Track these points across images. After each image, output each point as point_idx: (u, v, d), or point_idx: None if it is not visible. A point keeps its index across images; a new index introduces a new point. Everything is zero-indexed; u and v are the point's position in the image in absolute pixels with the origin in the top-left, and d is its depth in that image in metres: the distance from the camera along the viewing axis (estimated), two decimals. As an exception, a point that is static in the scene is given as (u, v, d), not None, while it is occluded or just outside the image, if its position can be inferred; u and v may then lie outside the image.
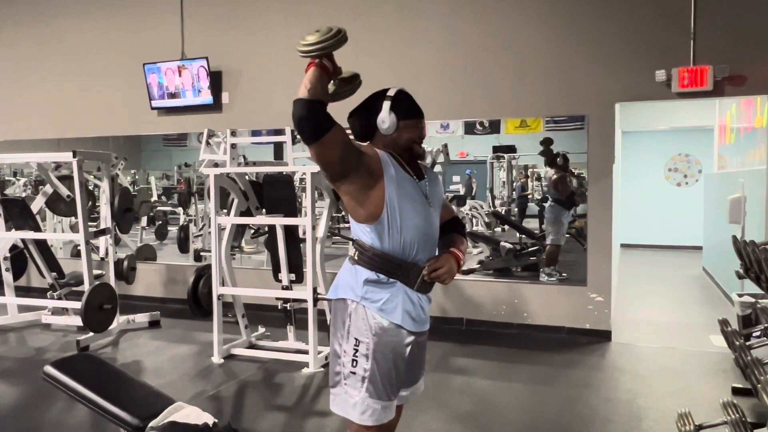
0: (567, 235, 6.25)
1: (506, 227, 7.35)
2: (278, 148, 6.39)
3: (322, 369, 4.24)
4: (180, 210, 7.94)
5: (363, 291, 2.00)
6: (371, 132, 2.09)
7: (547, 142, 6.03)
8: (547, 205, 6.31)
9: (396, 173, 2.01)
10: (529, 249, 6.32)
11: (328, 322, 4.37)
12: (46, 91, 6.82)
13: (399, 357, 2.04)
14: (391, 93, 2.06)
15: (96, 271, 5.12)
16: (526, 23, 5.10)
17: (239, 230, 6.73)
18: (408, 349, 2.05)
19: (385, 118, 2.03)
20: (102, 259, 5.48)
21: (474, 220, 7.43)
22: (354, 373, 2.00)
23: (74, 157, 4.72)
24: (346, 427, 2.13)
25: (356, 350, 2.00)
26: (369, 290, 2.00)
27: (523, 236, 6.74)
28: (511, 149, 7.19)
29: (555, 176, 6.13)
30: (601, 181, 4.97)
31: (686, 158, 10.59)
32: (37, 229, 5.53)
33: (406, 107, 2.08)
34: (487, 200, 7.49)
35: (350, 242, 2.13)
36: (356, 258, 2.04)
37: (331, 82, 2.07)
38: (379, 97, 2.08)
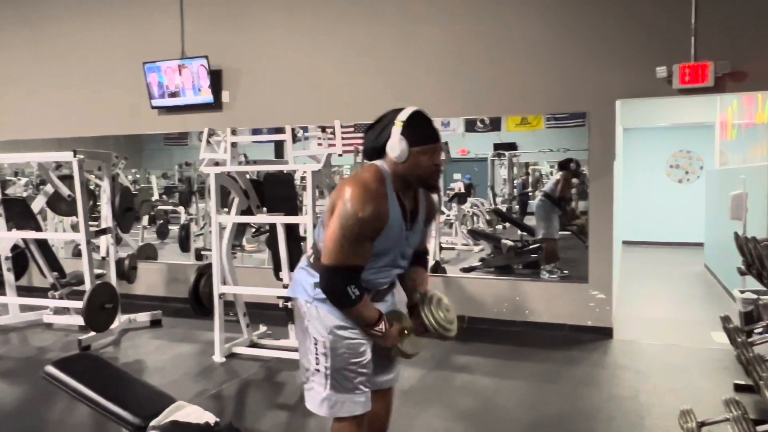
0: (565, 231, 6.26)
1: (507, 225, 7.34)
2: (279, 147, 6.38)
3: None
4: (181, 209, 7.94)
5: (314, 292, 2.02)
6: (379, 153, 2.00)
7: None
8: (536, 200, 6.35)
9: (396, 223, 1.98)
10: (531, 246, 6.32)
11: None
12: (47, 91, 6.81)
13: (358, 352, 2.04)
14: (402, 117, 1.93)
15: (97, 271, 5.12)
16: (526, 20, 5.08)
17: (240, 229, 6.73)
18: (370, 343, 2.07)
19: (395, 146, 1.91)
20: (103, 258, 5.48)
21: (475, 218, 7.42)
22: (318, 370, 2.04)
23: (74, 156, 4.71)
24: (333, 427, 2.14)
25: (316, 348, 2.03)
26: (319, 291, 2.01)
27: (525, 233, 6.74)
28: (512, 147, 7.18)
29: (559, 175, 6.22)
30: (602, 178, 4.96)
31: (687, 155, 10.57)
32: (38, 228, 5.53)
33: (419, 132, 1.94)
34: (488, 198, 7.49)
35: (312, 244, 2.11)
36: (311, 262, 2.06)
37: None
38: (392, 116, 1.96)
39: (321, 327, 2.01)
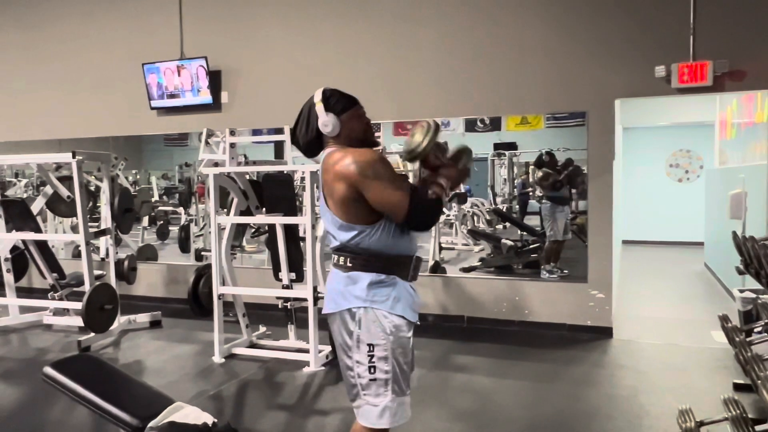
0: (570, 232, 6.25)
1: (507, 224, 7.34)
2: (278, 147, 6.38)
3: (323, 368, 4.24)
4: (181, 210, 7.94)
5: (369, 295, 1.99)
6: (318, 143, 2.09)
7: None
8: (542, 203, 6.37)
9: None
10: (530, 246, 6.32)
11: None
12: (46, 93, 6.82)
13: (408, 350, 2.07)
14: (317, 96, 2.06)
15: (97, 272, 5.12)
16: (525, 20, 5.08)
17: (240, 229, 6.73)
18: (412, 338, 2.09)
19: (327, 122, 2.03)
20: (103, 259, 5.48)
21: (475, 218, 7.42)
22: (374, 379, 1.99)
23: (74, 157, 4.72)
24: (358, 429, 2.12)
25: (371, 356, 1.98)
26: (375, 293, 2.00)
27: (524, 233, 6.74)
28: (512, 146, 7.18)
29: (540, 174, 6.26)
30: (601, 177, 4.96)
31: (687, 154, 10.56)
32: (38, 230, 5.53)
33: (338, 102, 2.06)
34: (488, 197, 7.48)
35: (332, 252, 2.09)
36: (349, 265, 2.02)
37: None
38: (308, 105, 2.08)
39: (379, 330, 1.98)
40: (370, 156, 1.96)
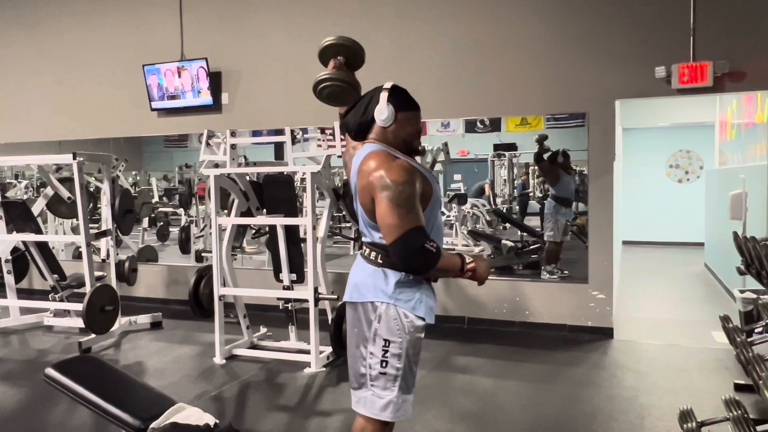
0: (570, 233, 6.25)
1: (507, 225, 7.35)
2: (279, 148, 6.39)
3: (324, 369, 4.24)
4: (181, 211, 7.95)
5: (395, 293, 2.02)
6: (367, 127, 2.10)
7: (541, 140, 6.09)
8: (546, 201, 6.35)
9: (431, 180, 2.06)
10: (531, 247, 6.33)
11: (330, 322, 4.37)
12: (47, 94, 6.82)
13: (419, 350, 2.11)
14: (386, 86, 2.08)
15: (97, 273, 5.12)
16: (525, 21, 5.09)
17: (240, 231, 6.74)
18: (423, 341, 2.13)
19: (383, 109, 2.05)
20: (103, 260, 5.49)
21: (475, 219, 7.43)
22: (384, 373, 2.03)
23: (74, 159, 4.72)
24: (360, 425, 2.13)
25: (386, 351, 2.03)
26: (401, 291, 2.03)
27: (525, 234, 6.75)
28: (511, 147, 7.20)
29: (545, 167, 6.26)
30: (601, 178, 4.96)
31: (687, 154, 10.57)
32: (39, 231, 5.53)
33: (404, 99, 2.10)
34: (488, 198, 7.49)
35: (363, 244, 2.13)
36: (380, 261, 2.05)
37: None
38: (375, 91, 2.10)
39: (397, 328, 2.02)
40: (401, 177, 1.94)
